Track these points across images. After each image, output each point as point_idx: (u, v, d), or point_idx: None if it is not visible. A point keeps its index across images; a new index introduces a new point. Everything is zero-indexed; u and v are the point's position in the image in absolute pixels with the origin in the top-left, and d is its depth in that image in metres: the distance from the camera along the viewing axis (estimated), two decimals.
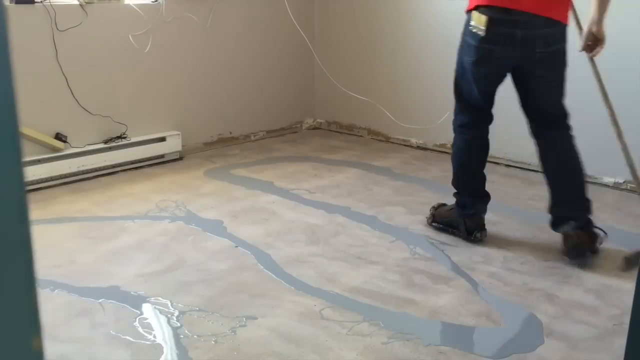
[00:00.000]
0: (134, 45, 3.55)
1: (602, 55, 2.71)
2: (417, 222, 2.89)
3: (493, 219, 2.96)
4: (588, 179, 2.67)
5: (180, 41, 3.80)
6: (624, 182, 3.38)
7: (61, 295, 2.19)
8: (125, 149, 3.56)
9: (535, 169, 3.70)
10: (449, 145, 4.06)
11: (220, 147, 4.09)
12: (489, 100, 2.61)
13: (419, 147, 4.17)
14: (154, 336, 1.95)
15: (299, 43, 4.26)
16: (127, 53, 3.56)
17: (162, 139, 3.74)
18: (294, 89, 4.55)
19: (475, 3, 2.40)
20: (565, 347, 1.93)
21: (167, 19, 3.68)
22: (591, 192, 3.34)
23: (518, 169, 3.74)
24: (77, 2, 3.33)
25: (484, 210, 2.73)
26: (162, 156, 3.74)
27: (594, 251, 2.50)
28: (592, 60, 2.51)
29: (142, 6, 3.57)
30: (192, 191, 3.27)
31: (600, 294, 2.26)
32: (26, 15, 3.15)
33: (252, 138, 4.28)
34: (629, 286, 2.26)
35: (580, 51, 2.51)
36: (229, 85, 4.11)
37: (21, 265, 0.53)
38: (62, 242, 2.63)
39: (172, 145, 3.78)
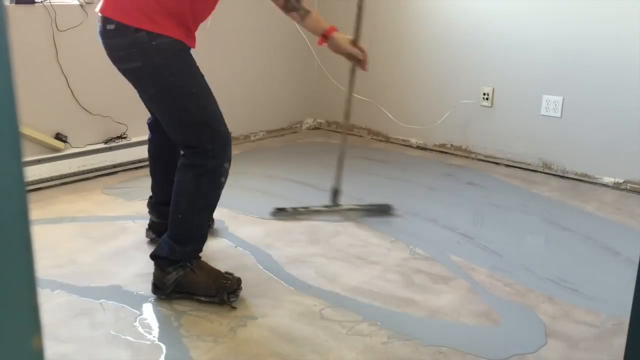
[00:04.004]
0: None
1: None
2: (417, 222, 2.89)
3: (493, 218, 2.96)
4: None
5: None
6: (624, 182, 3.38)
7: (61, 295, 2.19)
8: (126, 149, 3.56)
9: (535, 169, 3.70)
10: (449, 145, 4.08)
11: None
12: None
13: (419, 147, 4.17)
14: (154, 336, 1.95)
15: (298, 43, 4.26)
16: None
17: None
18: (294, 89, 4.55)
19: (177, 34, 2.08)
20: (565, 347, 1.93)
21: None
22: (591, 192, 3.36)
23: (518, 169, 3.74)
24: (77, 2, 3.33)
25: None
26: None
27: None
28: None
29: None
30: None
31: (600, 294, 2.25)
32: (26, 15, 3.15)
33: (252, 138, 4.28)
34: (629, 286, 2.26)
35: None
36: (228, 86, 4.11)
37: (21, 265, 0.53)
38: (62, 242, 2.63)
39: None
